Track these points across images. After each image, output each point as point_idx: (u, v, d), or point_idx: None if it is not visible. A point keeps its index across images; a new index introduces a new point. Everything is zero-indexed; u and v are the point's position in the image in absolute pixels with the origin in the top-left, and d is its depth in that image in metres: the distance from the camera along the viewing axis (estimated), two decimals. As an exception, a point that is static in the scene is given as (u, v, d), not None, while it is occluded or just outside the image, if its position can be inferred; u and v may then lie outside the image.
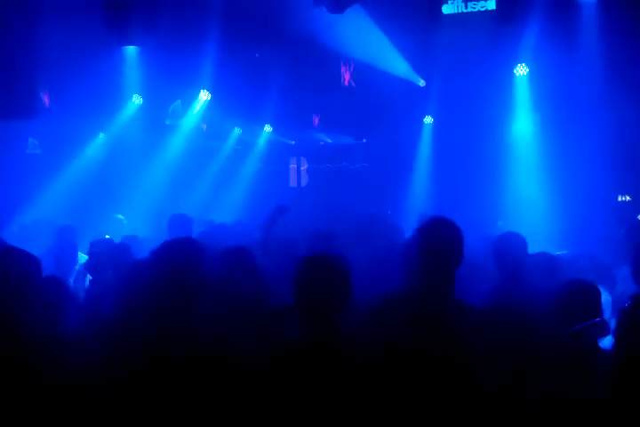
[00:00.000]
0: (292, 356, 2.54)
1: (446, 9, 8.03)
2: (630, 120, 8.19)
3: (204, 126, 10.67)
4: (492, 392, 2.63)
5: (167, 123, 10.53)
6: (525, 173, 8.97)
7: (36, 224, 7.26)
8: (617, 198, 8.95)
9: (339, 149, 11.12)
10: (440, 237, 2.89)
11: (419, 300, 2.86)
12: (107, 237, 6.22)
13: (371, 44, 9.09)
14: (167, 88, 9.85)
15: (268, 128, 11.37)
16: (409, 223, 5.51)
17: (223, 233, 5.66)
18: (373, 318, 2.90)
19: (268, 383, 2.51)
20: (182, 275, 2.77)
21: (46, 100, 9.77)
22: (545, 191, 8.65)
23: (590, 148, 8.25)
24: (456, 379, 2.58)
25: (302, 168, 11.40)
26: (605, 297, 3.63)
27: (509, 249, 3.78)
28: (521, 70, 9.20)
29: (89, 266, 5.02)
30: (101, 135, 10.47)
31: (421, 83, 9.74)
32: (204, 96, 10.35)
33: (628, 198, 8.94)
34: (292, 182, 11.33)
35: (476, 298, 3.40)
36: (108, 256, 4.72)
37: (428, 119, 10.40)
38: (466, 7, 7.99)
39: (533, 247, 3.98)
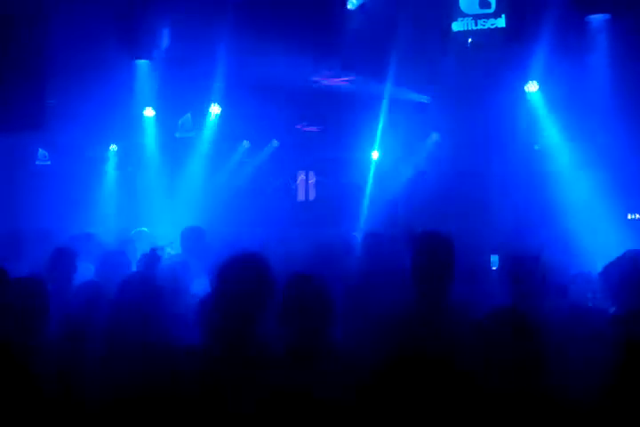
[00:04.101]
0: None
1: (456, 26, 8.07)
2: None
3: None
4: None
5: (177, 135, 10.60)
6: (531, 190, 8.97)
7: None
8: (626, 216, 8.91)
9: (347, 163, 11.13)
10: (430, 251, 3.02)
11: (413, 311, 2.97)
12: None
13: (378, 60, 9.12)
14: (177, 101, 9.93)
15: (275, 142, 11.40)
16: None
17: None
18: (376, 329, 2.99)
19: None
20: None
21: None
22: (552, 208, 8.64)
23: (600, 165, 8.24)
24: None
25: (310, 182, 11.41)
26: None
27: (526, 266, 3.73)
28: (531, 87, 9.22)
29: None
30: (112, 147, 10.56)
31: (426, 99, 9.78)
32: (215, 109, 10.41)
33: (637, 216, 8.89)
34: (300, 196, 11.34)
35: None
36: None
37: (435, 136, 10.46)
38: (476, 24, 8.02)
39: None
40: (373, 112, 9.90)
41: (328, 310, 2.69)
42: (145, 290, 3.16)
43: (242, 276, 2.60)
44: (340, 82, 10.18)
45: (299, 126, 10.90)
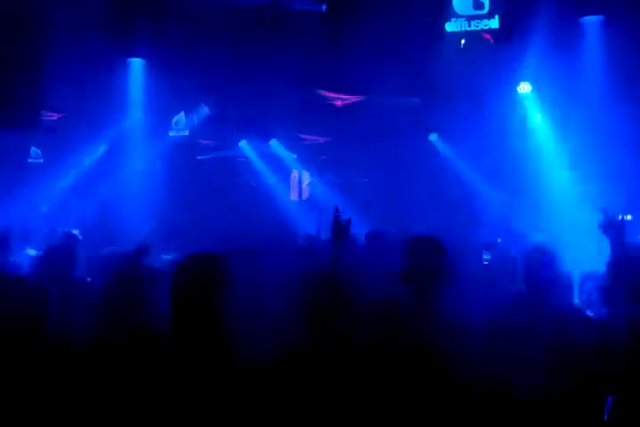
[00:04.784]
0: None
1: (449, 27, 8.07)
2: (632, 137, 8.19)
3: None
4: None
5: (170, 134, 10.60)
6: (523, 190, 9.02)
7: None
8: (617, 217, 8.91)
9: (341, 162, 11.14)
10: (421, 253, 3.07)
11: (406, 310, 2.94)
12: None
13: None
14: (171, 100, 9.93)
15: (272, 141, 11.40)
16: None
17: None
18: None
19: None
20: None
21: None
22: (552, 208, 8.67)
23: (593, 165, 8.27)
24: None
25: (304, 181, 11.40)
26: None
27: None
28: (524, 88, 9.25)
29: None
30: (104, 146, 10.56)
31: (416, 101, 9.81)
32: (208, 109, 10.44)
33: (628, 217, 8.90)
34: (293, 195, 11.32)
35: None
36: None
37: (433, 136, 10.49)
38: (469, 26, 8.02)
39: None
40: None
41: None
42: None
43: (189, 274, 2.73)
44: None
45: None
